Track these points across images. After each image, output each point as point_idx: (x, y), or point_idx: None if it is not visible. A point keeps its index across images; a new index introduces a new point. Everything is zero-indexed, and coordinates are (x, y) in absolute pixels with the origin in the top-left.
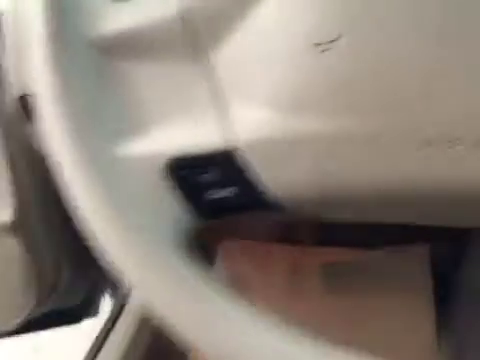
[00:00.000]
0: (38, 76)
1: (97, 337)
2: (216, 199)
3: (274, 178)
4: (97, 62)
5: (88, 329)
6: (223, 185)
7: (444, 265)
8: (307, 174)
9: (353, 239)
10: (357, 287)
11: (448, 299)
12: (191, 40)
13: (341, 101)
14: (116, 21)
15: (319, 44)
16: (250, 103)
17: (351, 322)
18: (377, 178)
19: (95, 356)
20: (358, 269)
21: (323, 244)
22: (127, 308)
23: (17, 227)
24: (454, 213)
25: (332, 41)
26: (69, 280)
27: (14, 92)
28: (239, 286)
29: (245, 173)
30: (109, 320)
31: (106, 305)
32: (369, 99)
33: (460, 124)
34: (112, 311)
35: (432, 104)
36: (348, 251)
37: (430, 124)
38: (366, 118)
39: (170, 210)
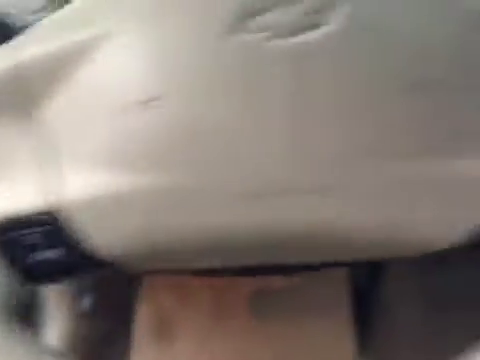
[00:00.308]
0: None
1: None
2: (41, 261)
3: (103, 236)
4: None
5: None
6: (48, 246)
7: (363, 284)
8: (136, 230)
9: (275, 267)
10: (282, 313)
11: (368, 315)
12: (21, 95)
13: (161, 158)
14: None
15: (141, 102)
16: (76, 162)
17: (277, 347)
18: (205, 228)
19: None
20: (282, 296)
21: (246, 274)
22: None
23: None
24: (293, 252)
25: (153, 100)
26: None
27: None
28: (164, 321)
29: (71, 233)
30: None
31: None
32: (187, 156)
33: (268, 178)
34: None
35: (238, 162)
36: (273, 279)
37: (241, 179)
38: (186, 174)
39: None
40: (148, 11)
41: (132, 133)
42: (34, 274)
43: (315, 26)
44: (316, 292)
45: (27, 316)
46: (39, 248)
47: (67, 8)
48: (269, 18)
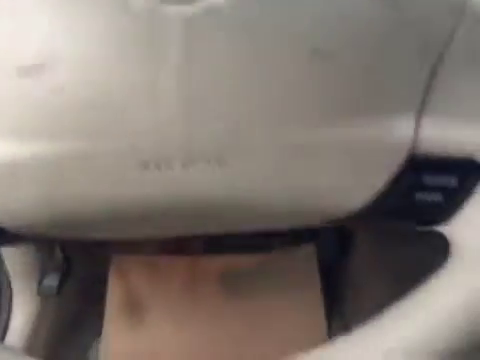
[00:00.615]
0: None
1: None
2: None
3: (3, 207)
4: None
5: None
6: None
7: (331, 258)
8: (36, 200)
9: (246, 244)
10: (253, 290)
11: (337, 287)
12: None
13: (55, 126)
14: None
15: (35, 67)
16: None
17: (249, 323)
18: (104, 198)
19: None
20: (252, 273)
21: (217, 252)
22: None
23: None
24: (202, 222)
25: (47, 65)
26: None
27: None
28: (135, 301)
29: None
30: None
31: None
32: (81, 124)
33: (162, 147)
34: None
35: (132, 129)
36: (242, 257)
37: (135, 147)
38: (81, 143)
39: None
40: None
41: (25, 99)
42: None
43: None
44: (285, 268)
45: None
46: None
47: None
48: None
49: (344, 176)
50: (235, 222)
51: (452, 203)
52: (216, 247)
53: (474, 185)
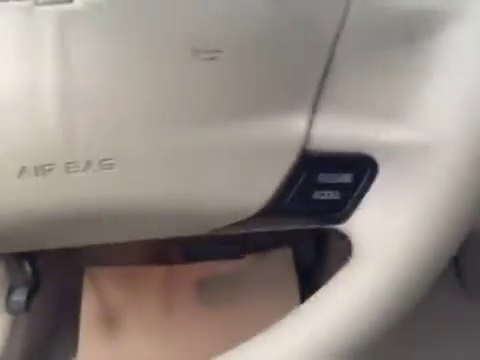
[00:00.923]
0: None
1: None
2: None
3: None
4: None
5: None
6: None
7: (308, 261)
8: None
9: (222, 251)
10: (230, 297)
11: (314, 290)
12: None
13: None
14: None
15: None
16: None
17: (227, 330)
18: None
19: None
20: (229, 280)
21: (193, 260)
22: None
23: None
24: (96, 231)
25: None
26: None
27: None
28: (109, 313)
29: None
30: None
31: None
32: None
33: (40, 152)
34: None
35: (9, 134)
36: (219, 263)
37: (15, 154)
38: None
39: None
40: None
41: None
42: None
43: None
44: (262, 274)
45: None
46: None
47: None
48: None
49: (237, 178)
50: (129, 229)
51: (349, 200)
52: (192, 255)
53: (370, 181)
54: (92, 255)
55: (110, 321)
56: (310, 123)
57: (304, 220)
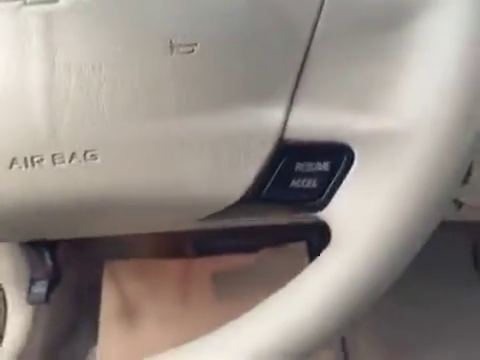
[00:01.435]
0: None
1: None
2: None
3: None
4: None
5: None
6: None
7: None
8: None
9: (238, 245)
10: (245, 291)
11: None
12: None
13: None
14: None
15: None
16: None
17: None
18: None
19: None
20: (244, 273)
21: (210, 254)
22: None
23: None
24: (84, 223)
25: None
26: None
27: None
28: (128, 305)
29: None
30: None
31: None
32: None
33: (28, 144)
34: None
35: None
36: (234, 257)
37: (3, 147)
38: None
39: None
40: None
41: None
42: None
43: None
44: (276, 267)
45: None
46: None
47: None
48: None
49: (217, 167)
50: (116, 221)
51: (326, 189)
52: (207, 249)
53: (346, 169)
54: (111, 248)
55: (129, 313)
56: (287, 114)
57: (284, 209)
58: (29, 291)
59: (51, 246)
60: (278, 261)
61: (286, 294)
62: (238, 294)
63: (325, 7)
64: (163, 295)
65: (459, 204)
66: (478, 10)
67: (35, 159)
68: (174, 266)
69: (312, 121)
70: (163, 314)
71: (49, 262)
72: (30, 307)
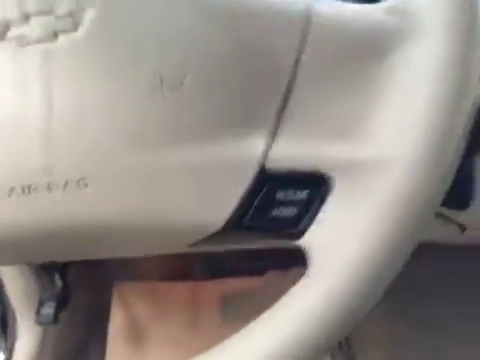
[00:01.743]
0: None
1: None
2: None
3: None
4: None
5: None
6: None
7: None
8: None
9: (247, 267)
10: (252, 313)
11: None
12: None
13: None
14: None
15: None
16: None
17: None
18: None
19: None
20: (252, 296)
21: (218, 276)
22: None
23: None
24: (75, 249)
25: None
26: None
27: None
28: (137, 327)
29: None
30: None
31: None
32: None
33: (24, 172)
34: None
35: None
36: (240, 280)
37: (2, 176)
38: None
39: None
40: None
41: None
42: None
43: (63, 32)
44: (283, 290)
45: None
46: None
47: None
48: (24, 29)
49: (200, 196)
50: (107, 246)
51: (305, 217)
52: (216, 271)
53: (324, 198)
54: (120, 270)
55: (137, 334)
56: (269, 144)
57: (264, 236)
58: (38, 312)
59: (61, 268)
60: (285, 284)
61: (258, 326)
62: (245, 317)
63: (309, 38)
64: (171, 317)
65: (463, 228)
66: (455, 49)
67: (32, 187)
68: (183, 288)
69: (293, 150)
70: (171, 336)
71: (59, 283)
72: (39, 328)
